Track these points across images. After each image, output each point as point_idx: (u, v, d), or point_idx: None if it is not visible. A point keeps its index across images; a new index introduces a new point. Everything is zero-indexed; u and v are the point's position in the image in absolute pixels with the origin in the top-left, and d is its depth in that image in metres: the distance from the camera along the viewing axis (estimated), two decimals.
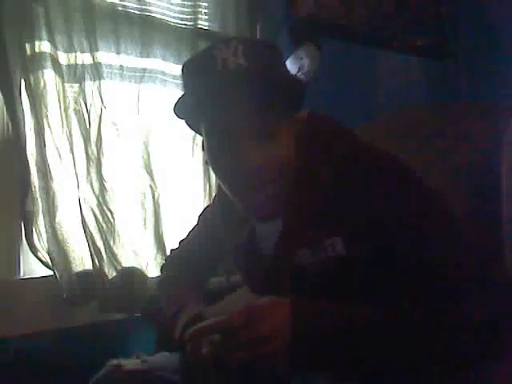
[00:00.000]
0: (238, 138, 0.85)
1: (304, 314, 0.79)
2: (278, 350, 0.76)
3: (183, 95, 0.91)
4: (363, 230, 0.85)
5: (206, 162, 0.97)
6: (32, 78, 1.37)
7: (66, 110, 1.42)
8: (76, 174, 1.44)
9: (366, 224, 0.85)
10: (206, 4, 1.74)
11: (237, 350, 0.76)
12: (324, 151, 0.92)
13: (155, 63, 1.60)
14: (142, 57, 1.56)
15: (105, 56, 1.50)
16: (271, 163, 0.86)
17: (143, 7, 1.57)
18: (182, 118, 0.95)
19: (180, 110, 0.92)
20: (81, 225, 1.44)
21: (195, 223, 1.25)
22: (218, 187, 1.13)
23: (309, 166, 0.91)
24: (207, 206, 1.28)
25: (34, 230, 1.38)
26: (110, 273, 1.49)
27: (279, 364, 0.81)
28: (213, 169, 0.93)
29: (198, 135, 1.66)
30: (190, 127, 0.98)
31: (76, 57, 1.44)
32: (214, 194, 1.70)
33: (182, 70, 0.92)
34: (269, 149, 0.86)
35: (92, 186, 1.47)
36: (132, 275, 1.49)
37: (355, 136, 0.97)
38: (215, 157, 0.91)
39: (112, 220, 1.49)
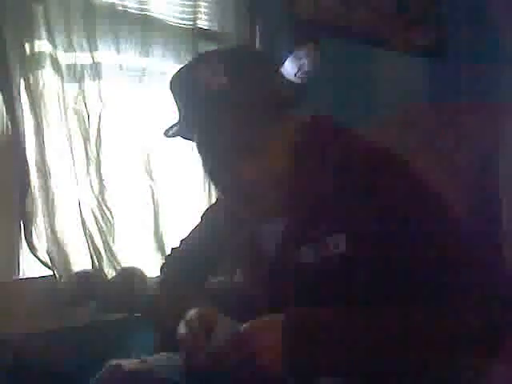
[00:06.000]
0: (228, 154, 0.87)
1: (296, 329, 0.81)
2: (269, 364, 0.80)
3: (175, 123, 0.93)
4: (364, 227, 0.85)
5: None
6: (31, 78, 1.37)
7: (65, 109, 1.42)
8: (75, 173, 1.44)
9: (368, 222, 0.85)
10: (205, 4, 1.75)
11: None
12: (325, 151, 0.93)
13: (155, 63, 1.60)
14: (141, 56, 1.57)
15: (104, 56, 1.49)
16: (263, 177, 0.88)
17: (143, 7, 1.57)
18: (173, 137, 0.95)
19: (170, 132, 0.93)
20: (80, 225, 1.44)
21: (197, 222, 1.25)
22: None
23: (310, 166, 0.92)
24: (210, 206, 1.28)
25: (33, 229, 1.38)
26: (110, 273, 1.49)
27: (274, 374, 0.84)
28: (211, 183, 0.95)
29: None
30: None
31: (75, 56, 1.44)
32: (213, 194, 1.70)
33: (169, 86, 0.94)
34: (260, 163, 0.87)
35: (91, 185, 1.46)
36: (132, 275, 1.49)
37: (355, 136, 0.98)
38: (209, 172, 0.94)
39: (111, 220, 1.49)
